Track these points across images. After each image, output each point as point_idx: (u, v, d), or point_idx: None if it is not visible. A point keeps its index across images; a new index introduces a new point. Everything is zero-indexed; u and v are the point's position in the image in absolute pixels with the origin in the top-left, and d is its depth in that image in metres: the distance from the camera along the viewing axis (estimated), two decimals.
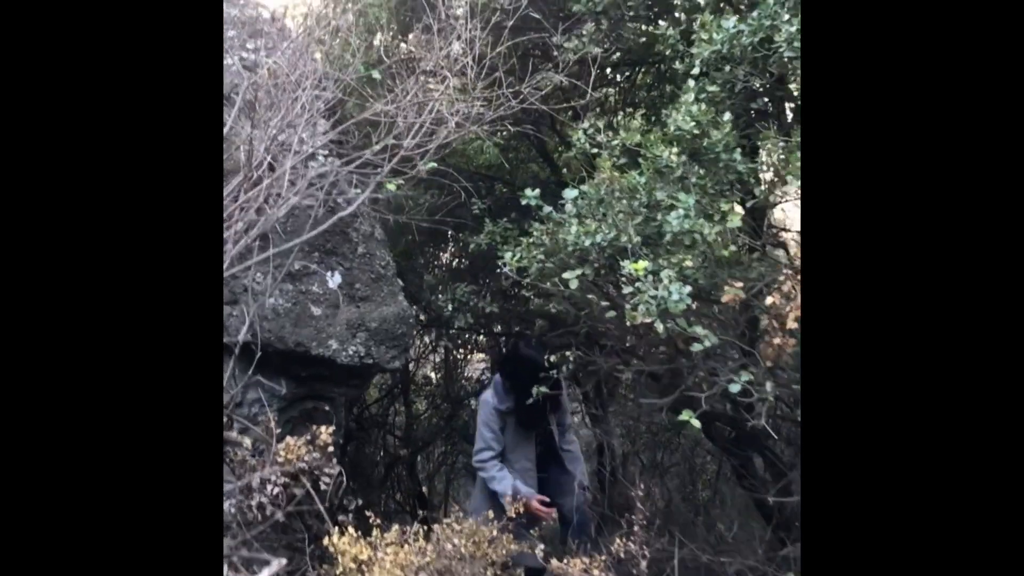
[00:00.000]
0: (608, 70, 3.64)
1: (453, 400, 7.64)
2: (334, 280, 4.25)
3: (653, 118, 4.67)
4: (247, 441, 3.35)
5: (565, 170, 3.93)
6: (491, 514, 3.65)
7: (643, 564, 3.15)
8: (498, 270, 5.26)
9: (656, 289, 2.53)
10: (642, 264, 2.54)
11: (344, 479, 3.74)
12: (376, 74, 3.25)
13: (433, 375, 8.07)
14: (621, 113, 3.59)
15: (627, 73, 4.56)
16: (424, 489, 7.82)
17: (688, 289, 2.49)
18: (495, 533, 3.56)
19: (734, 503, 5.41)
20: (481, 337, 7.03)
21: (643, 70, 4.69)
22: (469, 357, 7.91)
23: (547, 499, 4.10)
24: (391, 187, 3.21)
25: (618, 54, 3.81)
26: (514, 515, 3.72)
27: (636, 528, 3.24)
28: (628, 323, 2.59)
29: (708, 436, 5.12)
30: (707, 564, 3.45)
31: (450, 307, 4.74)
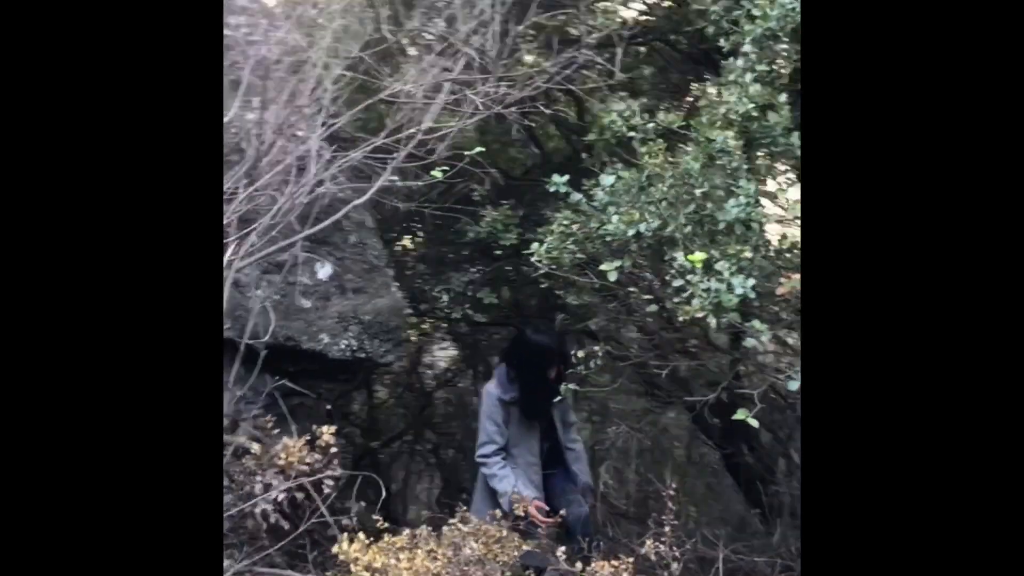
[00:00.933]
0: (613, 50, 3.46)
1: (417, 390, 7.46)
2: (324, 271, 4.06)
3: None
4: (255, 446, 3.14)
5: (585, 155, 3.75)
6: (498, 513, 3.51)
7: (675, 567, 3.03)
8: (483, 259, 5.11)
9: (710, 281, 2.39)
10: (699, 256, 2.39)
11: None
12: (413, 51, 3.04)
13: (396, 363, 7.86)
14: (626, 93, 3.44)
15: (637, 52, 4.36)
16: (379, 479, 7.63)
17: (752, 282, 2.36)
18: (504, 533, 3.43)
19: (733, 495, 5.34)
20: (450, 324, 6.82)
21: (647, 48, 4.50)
22: (435, 341, 7.73)
23: (546, 508, 3.91)
24: (436, 175, 3.01)
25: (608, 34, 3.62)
26: (522, 514, 3.59)
27: (667, 528, 3.11)
28: (681, 318, 2.45)
29: (702, 429, 5.03)
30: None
31: (446, 297, 4.55)
